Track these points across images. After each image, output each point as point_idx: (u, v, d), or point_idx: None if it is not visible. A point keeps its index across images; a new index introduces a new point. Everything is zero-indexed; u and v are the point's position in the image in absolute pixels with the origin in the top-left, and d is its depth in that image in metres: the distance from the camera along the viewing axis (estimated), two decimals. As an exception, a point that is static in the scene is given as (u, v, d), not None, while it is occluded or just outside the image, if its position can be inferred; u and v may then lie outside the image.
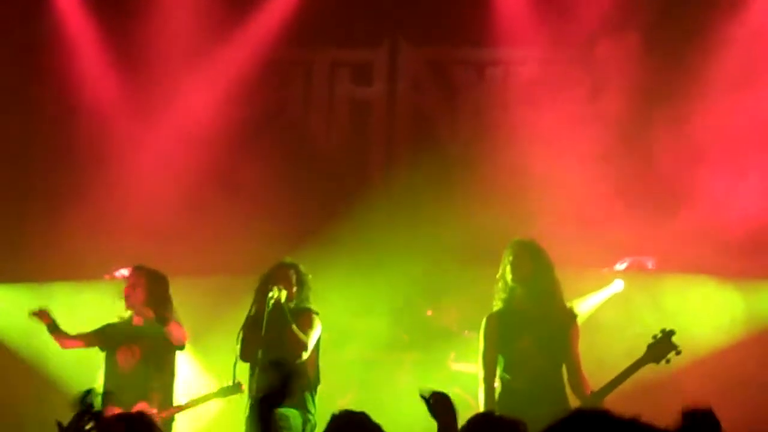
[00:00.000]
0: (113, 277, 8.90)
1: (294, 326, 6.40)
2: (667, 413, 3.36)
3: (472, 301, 7.80)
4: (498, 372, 6.27)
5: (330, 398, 6.94)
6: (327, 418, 4.06)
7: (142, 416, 4.22)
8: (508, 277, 6.34)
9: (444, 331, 8.62)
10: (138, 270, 7.30)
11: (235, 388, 6.68)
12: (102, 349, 7.26)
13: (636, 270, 8.77)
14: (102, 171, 9.27)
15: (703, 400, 3.44)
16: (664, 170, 8.79)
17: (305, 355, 6.46)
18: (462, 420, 4.06)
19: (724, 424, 3.51)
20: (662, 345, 5.89)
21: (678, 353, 5.90)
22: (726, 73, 8.72)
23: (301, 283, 6.71)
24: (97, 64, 9.61)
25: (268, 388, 4.03)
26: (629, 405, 2.39)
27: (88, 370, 8.01)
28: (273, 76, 9.71)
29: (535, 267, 6.34)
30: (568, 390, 6.25)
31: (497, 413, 4.56)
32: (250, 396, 6.40)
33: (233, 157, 9.28)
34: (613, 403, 5.46)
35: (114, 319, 7.33)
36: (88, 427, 4.22)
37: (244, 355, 6.47)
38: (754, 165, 8.68)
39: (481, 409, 6.11)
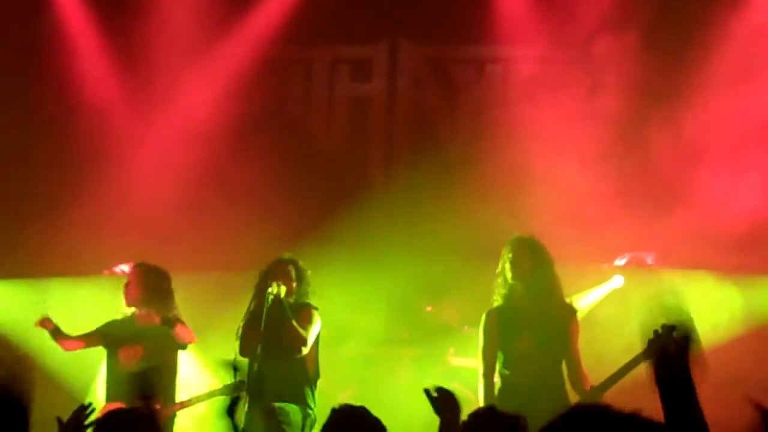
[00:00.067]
0: (112, 273, 8.91)
1: (293, 321, 6.40)
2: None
3: (471, 296, 7.81)
4: (498, 367, 6.28)
5: (330, 393, 6.95)
6: (327, 412, 4.07)
7: (141, 411, 4.22)
8: (508, 274, 6.34)
9: (443, 326, 8.62)
10: (135, 267, 7.32)
11: (238, 386, 6.68)
12: (104, 347, 7.27)
13: (636, 266, 8.78)
14: (101, 168, 9.27)
15: (702, 396, 3.43)
16: (663, 167, 8.79)
17: (305, 350, 6.47)
18: (462, 415, 4.07)
19: (723, 422, 3.51)
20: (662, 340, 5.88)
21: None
22: (725, 71, 8.72)
23: (301, 278, 6.72)
24: (97, 62, 9.62)
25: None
26: (629, 400, 2.39)
27: (87, 366, 8.03)
28: (272, 73, 9.71)
29: (535, 263, 6.35)
30: (567, 385, 6.27)
31: (495, 407, 4.57)
32: (249, 391, 6.40)
33: (233, 154, 9.28)
34: (612, 398, 5.47)
35: (116, 316, 7.34)
36: (87, 422, 4.23)
37: (243, 351, 6.48)
38: (753, 161, 8.69)
39: (481, 404, 6.12)
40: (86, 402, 4.48)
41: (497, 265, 6.47)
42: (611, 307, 8.51)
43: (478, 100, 9.56)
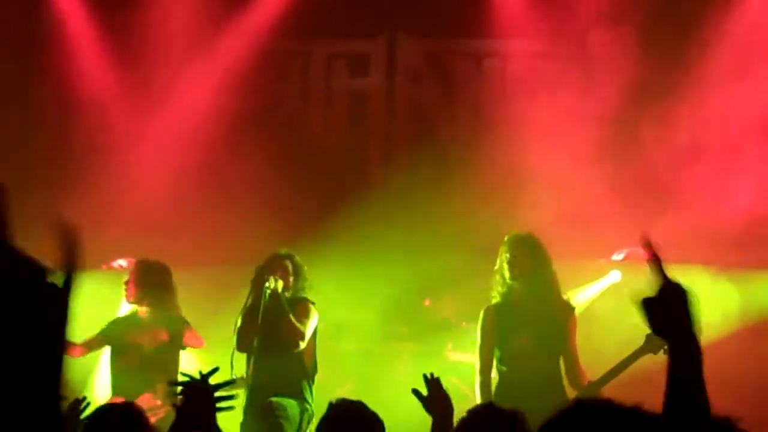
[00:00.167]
0: (111, 268, 8.91)
1: (291, 316, 6.40)
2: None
3: (469, 292, 7.81)
4: (495, 364, 6.28)
5: (328, 388, 6.95)
6: (324, 407, 4.06)
7: (131, 407, 4.20)
8: (506, 272, 6.34)
9: (441, 322, 8.62)
10: (135, 264, 7.35)
11: (238, 382, 6.70)
12: (109, 345, 7.27)
13: (633, 261, 8.77)
14: (100, 164, 9.25)
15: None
16: (660, 164, 8.80)
17: (302, 345, 6.46)
18: (458, 410, 4.06)
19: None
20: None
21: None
22: (723, 67, 8.73)
23: (297, 273, 6.72)
24: (95, 58, 9.59)
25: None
26: (626, 395, 2.38)
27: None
28: (270, 68, 9.69)
29: (533, 261, 6.34)
30: (565, 381, 6.27)
31: (493, 403, 4.56)
32: (248, 385, 6.40)
33: (230, 149, 9.26)
34: (609, 393, 5.47)
35: (118, 314, 7.37)
36: (82, 417, 4.22)
37: (241, 346, 6.48)
38: (749, 158, 8.69)
39: (478, 400, 6.12)
40: (82, 396, 4.47)
41: (495, 261, 6.47)
42: (609, 302, 8.51)
43: (476, 95, 9.54)
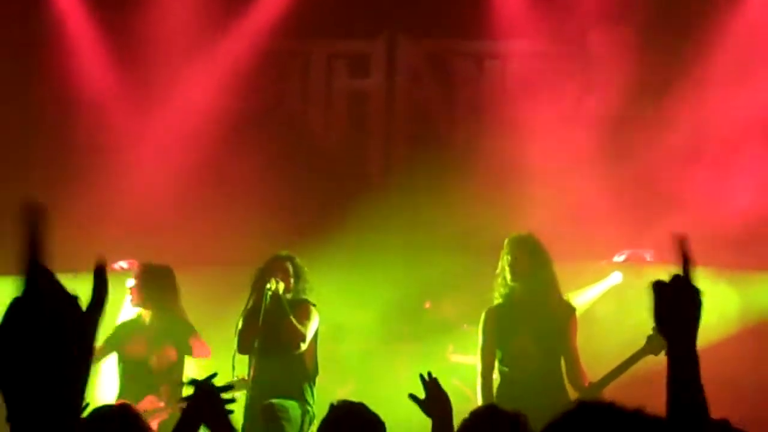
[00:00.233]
0: (111, 269, 8.91)
1: (292, 317, 6.39)
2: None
3: (470, 294, 7.80)
4: (497, 365, 6.28)
5: (329, 389, 6.94)
6: (326, 409, 4.06)
7: (127, 408, 4.20)
8: (507, 274, 6.34)
9: (442, 323, 8.62)
10: (138, 268, 7.37)
11: (240, 384, 6.71)
12: (116, 351, 7.30)
13: (635, 262, 8.77)
14: (100, 164, 9.25)
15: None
16: (661, 164, 8.79)
17: (303, 346, 6.46)
18: (460, 411, 4.06)
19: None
20: (661, 337, 5.87)
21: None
22: (723, 68, 8.73)
23: (298, 275, 6.71)
24: (95, 58, 9.59)
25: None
26: (628, 396, 2.38)
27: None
28: (270, 68, 9.69)
29: (534, 262, 6.34)
30: (566, 382, 6.26)
31: (495, 405, 4.55)
32: (249, 387, 6.40)
33: (230, 149, 9.26)
34: (610, 394, 5.47)
35: (123, 317, 7.40)
36: (92, 411, 4.23)
37: (242, 348, 6.47)
38: (749, 159, 8.68)
39: (479, 401, 6.12)
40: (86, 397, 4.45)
41: (496, 262, 6.47)
42: (610, 303, 8.51)
43: (476, 95, 9.55)
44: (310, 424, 6.43)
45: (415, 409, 4.25)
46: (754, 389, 8.06)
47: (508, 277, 6.32)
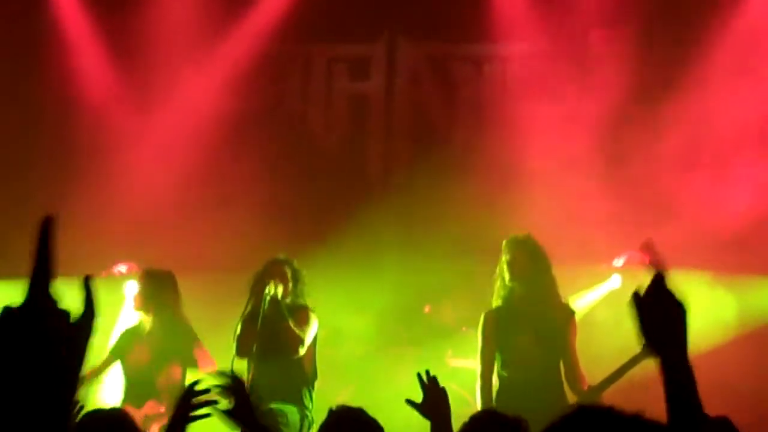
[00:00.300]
0: (110, 273, 8.91)
1: (291, 322, 6.39)
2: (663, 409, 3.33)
3: (469, 297, 7.79)
4: (496, 368, 6.27)
5: (328, 394, 6.93)
6: (324, 413, 4.05)
7: (118, 412, 4.19)
8: (506, 276, 6.33)
9: (441, 327, 8.61)
10: (140, 274, 7.38)
11: (236, 388, 6.70)
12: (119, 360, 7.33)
13: (633, 266, 8.76)
14: (99, 165, 9.26)
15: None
16: (660, 166, 8.79)
17: (302, 351, 6.45)
18: (460, 416, 4.05)
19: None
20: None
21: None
22: (723, 69, 8.73)
23: (296, 278, 6.70)
24: (95, 58, 9.60)
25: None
26: (626, 400, 2.37)
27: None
28: (270, 70, 9.71)
29: (533, 264, 6.33)
30: (565, 386, 6.25)
31: (495, 410, 4.54)
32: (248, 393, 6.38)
33: (230, 151, 9.27)
34: (609, 398, 5.46)
35: (122, 320, 7.40)
36: (77, 419, 4.23)
37: (241, 352, 6.46)
38: (749, 161, 8.68)
39: (479, 405, 6.11)
40: (85, 401, 4.46)
41: (495, 265, 6.46)
42: (609, 307, 8.50)
43: (476, 98, 9.56)
44: (309, 428, 6.42)
45: (414, 413, 4.24)
46: (752, 393, 8.04)
47: (507, 277, 6.31)
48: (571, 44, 9.20)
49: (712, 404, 3.04)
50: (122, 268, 8.88)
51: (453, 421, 4.09)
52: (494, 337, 6.30)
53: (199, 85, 9.43)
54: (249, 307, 6.51)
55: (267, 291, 6.37)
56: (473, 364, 6.52)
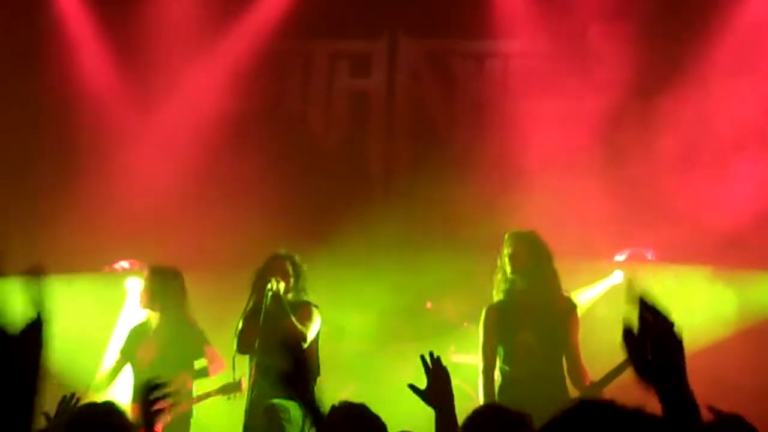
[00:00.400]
0: (113, 269, 8.93)
1: (293, 318, 6.40)
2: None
3: (471, 293, 7.80)
4: (498, 363, 6.27)
5: (330, 390, 6.93)
6: (327, 409, 4.06)
7: (112, 406, 4.21)
8: (507, 268, 6.33)
9: (444, 323, 8.62)
10: (146, 271, 7.39)
11: (236, 386, 6.73)
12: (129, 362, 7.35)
13: (635, 261, 8.77)
14: (101, 163, 9.27)
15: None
16: (661, 163, 8.80)
17: (304, 346, 6.46)
18: (463, 411, 4.05)
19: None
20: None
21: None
22: (723, 68, 8.74)
23: (298, 274, 6.70)
24: (96, 56, 9.61)
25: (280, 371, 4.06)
26: (628, 395, 2.38)
27: (85, 362, 8.03)
28: (271, 68, 9.72)
29: (534, 257, 6.33)
30: (567, 381, 6.26)
31: (499, 404, 4.54)
32: (250, 389, 6.40)
33: (231, 148, 9.28)
34: (612, 393, 5.46)
35: (125, 316, 7.43)
36: (76, 410, 4.26)
37: (242, 348, 6.46)
38: (750, 156, 8.69)
39: (481, 400, 6.11)
40: (70, 393, 4.49)
41: (496, 260, 6.46)
42: (611, 302, 8.51)
43: (477, 95, 9.56)
44: (311, 424, 6.43)
45: (418, 409, 4.23)
46: (752, 388, 8.05)
47: (508, 269, 6.30)
48: (571, 42, 9.20)
49: (712, 400, 3.05)
50: (124, 264, 8.90)
51: (457, 416, 4.09)
52: (496, 331, 6.29)
53: (200, 83, 9.43)
54: (250, 303, 6.51)
55: (269, 287, 6.37)
56: (476, 359, 6.52)
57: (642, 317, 2.29)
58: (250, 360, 6.49)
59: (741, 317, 8.44)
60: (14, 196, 9.23)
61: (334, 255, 7.97)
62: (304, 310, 6.55)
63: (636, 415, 1.95)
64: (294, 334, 6.41)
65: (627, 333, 2.30)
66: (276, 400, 6.33)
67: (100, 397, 6.77)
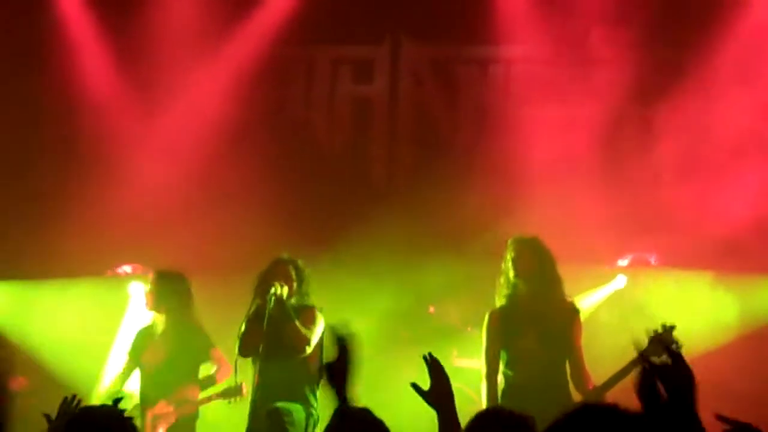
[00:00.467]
0: (115, 273, 8.94)
1: (297, 322, 6.41)
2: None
3: (474, 297, 7.80)
4: (501, 367, 6.27)
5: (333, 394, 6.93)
6: (330, 413, 4.07)
7: (114, 409, 4.22)
8: (510, 273, 6.33)
9: (446, 327, 8.62)
10: (152, 274, 7.42)
11: (237, 390, 6.74)
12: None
13: (638, 266, 8.77)
14: (103, 167, 9.28)
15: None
16: (663, 167, 8.81)
17: (308, 350, 6.48)
18: (466, 415, 4.06)
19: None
20: (663, 340, 5.88)
21: (679, 348, 5.89)
22: (725, 73, 8.74)
23: (301, 278, 6.72)
24: (98, 60, 9.63)
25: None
26: (629, 399, 2.39)
27: (86, 362, 8.04)
28: (274, 73, 9.72)
29: (537, 263, 6.33)
30: (570, 385, 6.26)
31: (502, 407, 4.53)
32: (254, 392, 6.41)
33: (234, 153, 9.28)
34: (613, 397, 5.47)
35: (128, 319, 7.45)
36: (77, 411, 4.27)
37: (244, 351, 6.46)
38: (751, 162, 8.69)
39: (484, 404, 6.11)
40: (72, 394, 4.50)
41: (500, 265, 6.47)
42: (614, 307, 8.51)
43: (480, 100, 9.57)
44: (314, 427, 6.44)
45: (420, 413, 4.24)
46: (753, 394, 8.05)
47: (511, 274, 6.30)
48: (573, 48, 9.20)
49: (711, 406, 3.06)
50: (127, 268, 8.92)
51: (460, 421, 4.09)
52: (499, 336, 6.29)
53: (202, 88, 9.45)
54: (253, 307, 6.52)
55: (272, 291, 6.39)
56: (478, 364, 6.52)
57: (661, 364, 2.30)
58: (254, 363, 6.50)
59: (742, 323, 8.44)
60: (15, 198, 9.24)
61: (337, 259, 7.99)
62: (307, 314, 6.56)
63: (638, 418, 1.96)
64: (298, 339, 6.42)
65: (643, 372, 2.31)
66: (279, 404, 6.35)
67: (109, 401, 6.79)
